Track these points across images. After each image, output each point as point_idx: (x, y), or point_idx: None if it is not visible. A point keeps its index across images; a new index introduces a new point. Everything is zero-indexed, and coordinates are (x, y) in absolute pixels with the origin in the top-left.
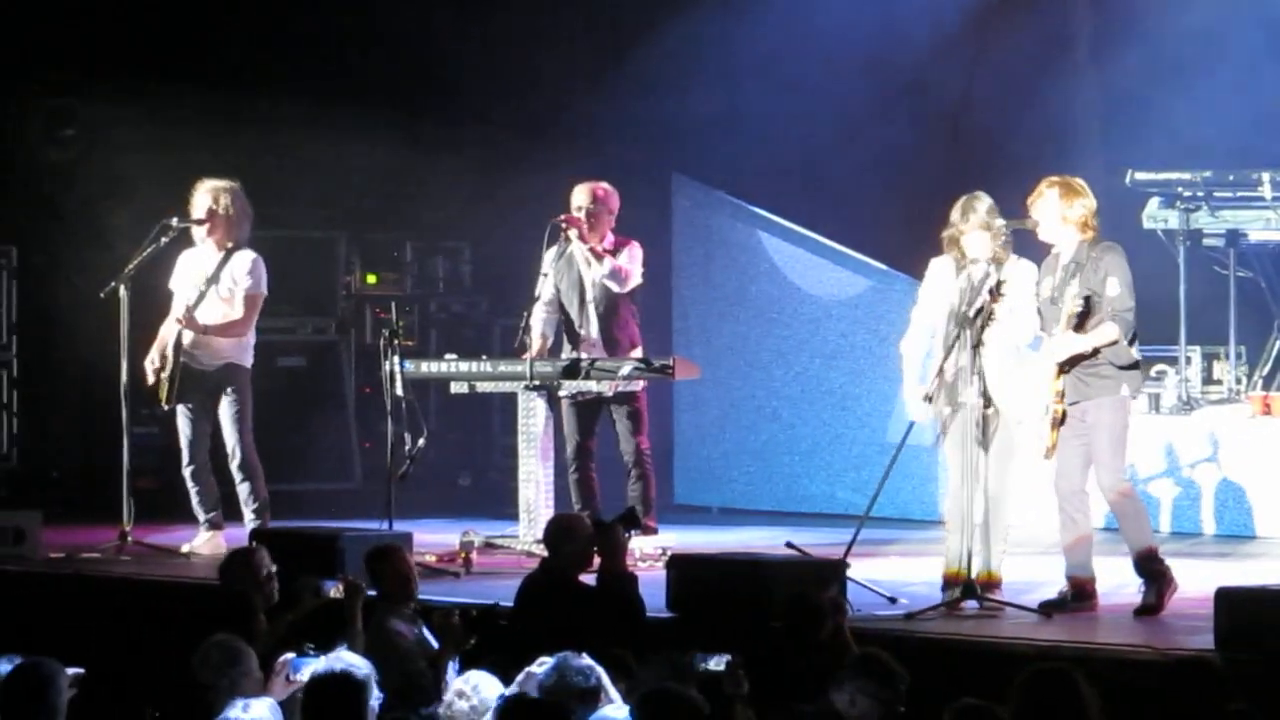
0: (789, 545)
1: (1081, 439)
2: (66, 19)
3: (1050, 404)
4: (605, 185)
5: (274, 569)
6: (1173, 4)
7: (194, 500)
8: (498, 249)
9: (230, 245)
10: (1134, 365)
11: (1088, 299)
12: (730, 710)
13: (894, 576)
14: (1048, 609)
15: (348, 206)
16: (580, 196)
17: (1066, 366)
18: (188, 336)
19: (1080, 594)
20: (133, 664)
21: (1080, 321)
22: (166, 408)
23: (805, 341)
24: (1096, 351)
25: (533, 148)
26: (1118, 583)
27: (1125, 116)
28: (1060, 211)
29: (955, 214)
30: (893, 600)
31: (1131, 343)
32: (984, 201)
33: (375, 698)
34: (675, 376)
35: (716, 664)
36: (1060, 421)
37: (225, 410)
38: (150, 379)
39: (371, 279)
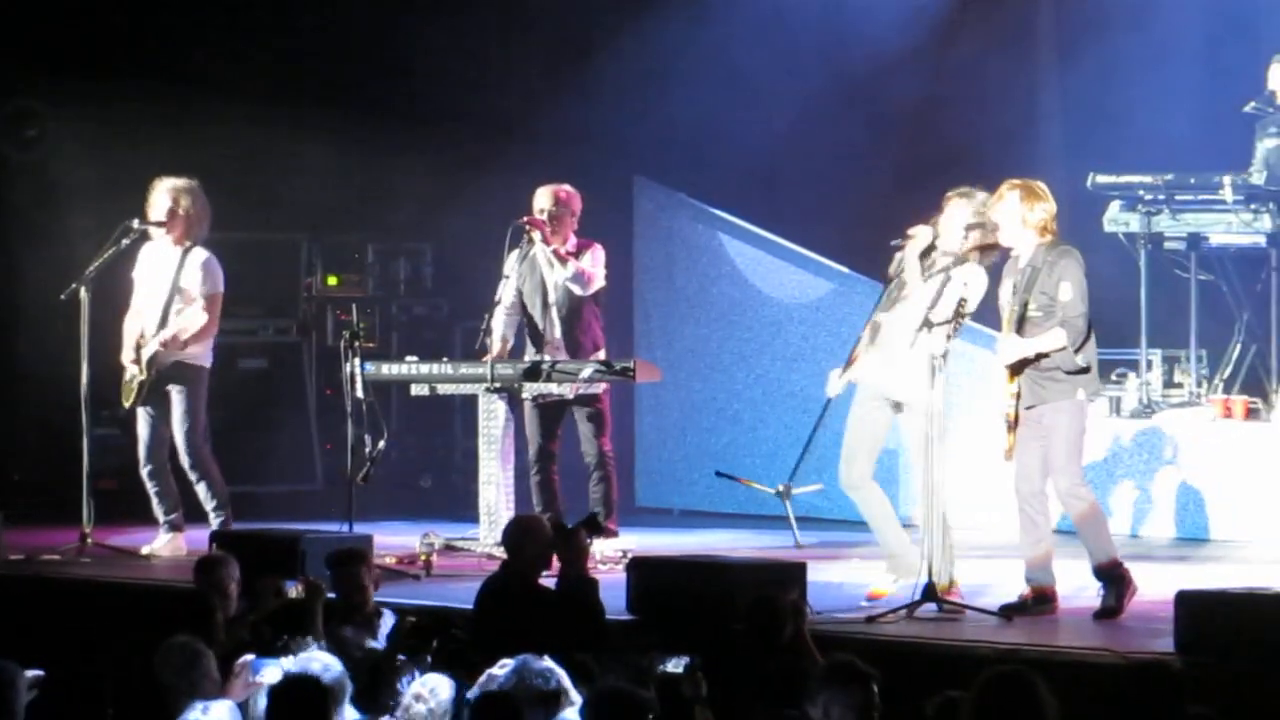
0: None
1: (1040, 441)
2: (28, 19)
3: (1005, 406)
4: (567, 188)
5: (237, 583)
6: (1136, 6)
7: (153, 502)
8: (459, 251)
9: (188, 244)
10: (1084, 370)
11: (1025, 304)
12: (689, 712)
13: (855, 579)
14: (1008, 612)
15: (309, 208)
16: (542, 199)
17: (1017, 369)
18: (145, 335)
19: (1041, 598)
20: (93, 666)
21: (1021, 325)
22: (127, 406)
23: (766, 344)
24: (1043, 356)
25: (495, 150)
26: (1078, 585)
27: (1087, 119)
28: (1020, 214)
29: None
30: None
31: (1081, 348)
32: (976, 195)
33: (348, 698)
34: (637, 379)
35: (675, 666)
36: (1014, 424)
37: (174, 407)
38: (132, 373)
39: (333, 281)
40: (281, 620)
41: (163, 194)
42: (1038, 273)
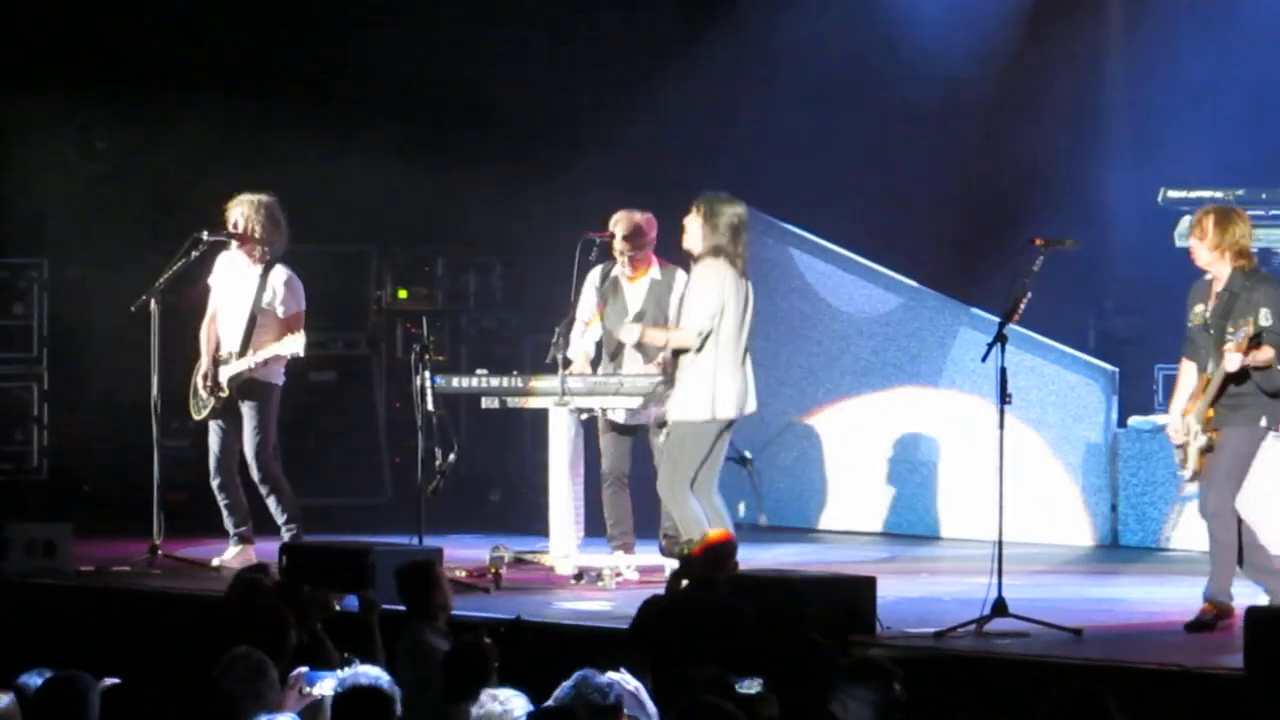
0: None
1: None
2: (102, 32)
3: (1198, 430)
4: (640, 216)
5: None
6: (1206, 21)
7: (224, 514)
8: (529, 264)
9: (266, 260)
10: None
11: (1223, 330)
12: None
13: (926, 593)
14: (1192, 630)
15: (380, 221)
16: (620, 229)
17: (1216, 397)
18: (223, 351)
19: (1222, 614)
20: (161, 677)
21: (1251, 348)
22: (198, 418)
23: (836, 358)
24: (1247, 377)
25: (566, 164)
26: (1143, 598)
27: (1157, 134)
28: (1216, 239)
29: None
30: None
31: None
32: (726, 198)
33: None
34: None
35: (749, 687)
36: (1208, 449)
37: (245, 422)
38: (207, 387)
39: (403, 294)
40: (329, 635)
41: (234, 209)
42: (1235, 298)
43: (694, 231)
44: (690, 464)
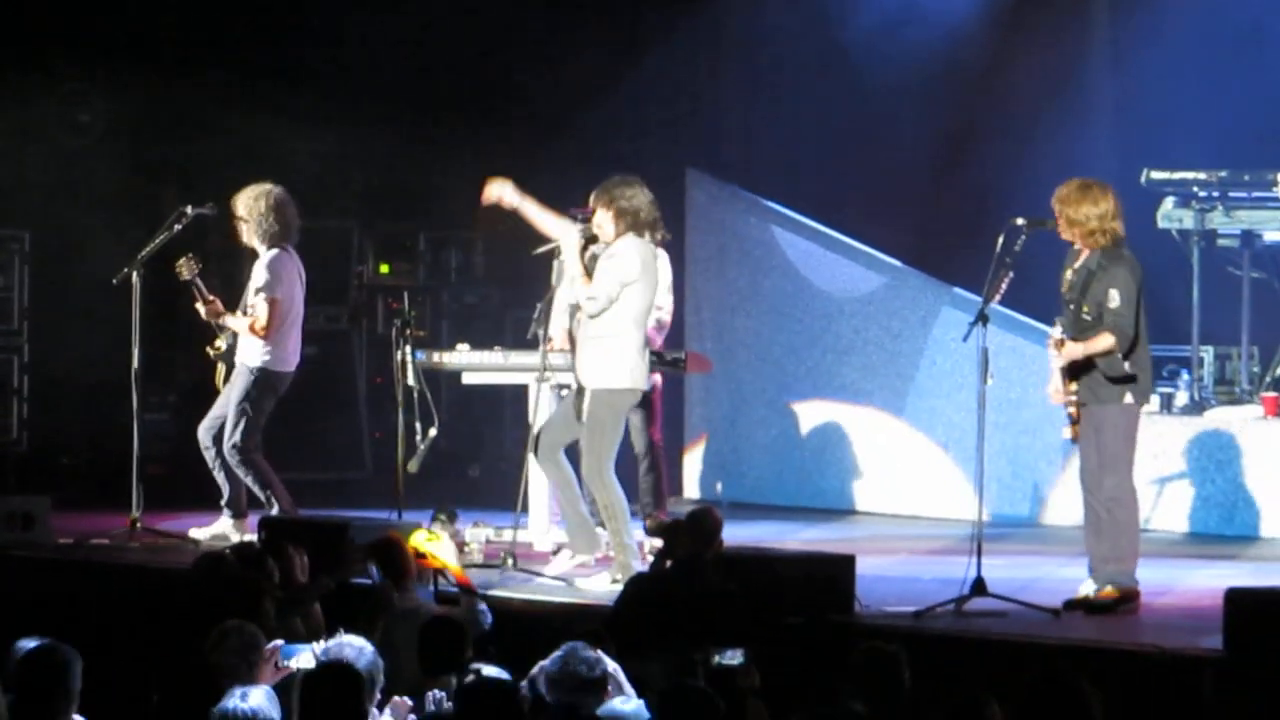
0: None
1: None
2: (85, 5)
3: (1066, 403)
4: None
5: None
6: (1191, 2)
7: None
8: (511, 240)
9: (266, 245)
10: (1130, 378)
11: (1080, 307)
12: (743, 704)
13: (905, 572)
14: (1071, 607)
15: (362, 197)
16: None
17: (1076, 372)
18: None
19: (1124, 597)
20: (139, 650)
21: (1075, 327)
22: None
23: (818, 337)
24: (1092, 365)
25: (548, 140)
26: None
27: (1141, 115)
28: (1068, 214)
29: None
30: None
31: (1129, 356)
32: (619, 181)
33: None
34: (687, 370)
35: (731, 658)
36: (1076, 419)
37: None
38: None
39: (384, 269)
40: (345, 599)
41: (239, 197)
42: (1092, 276)
43: (604, 222)
44: (614, 439)
